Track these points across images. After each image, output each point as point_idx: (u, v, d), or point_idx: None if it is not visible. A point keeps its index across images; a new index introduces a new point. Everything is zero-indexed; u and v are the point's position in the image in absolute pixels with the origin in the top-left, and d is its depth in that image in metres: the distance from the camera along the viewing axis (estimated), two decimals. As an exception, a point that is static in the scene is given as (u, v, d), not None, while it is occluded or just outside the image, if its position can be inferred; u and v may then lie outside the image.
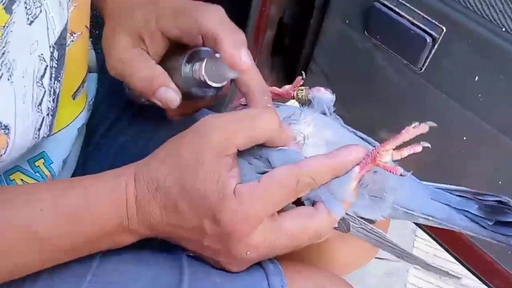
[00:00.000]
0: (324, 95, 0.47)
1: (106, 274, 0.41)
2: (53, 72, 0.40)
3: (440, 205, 0.43)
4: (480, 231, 0.41)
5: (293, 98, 0.49)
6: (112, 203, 0.38)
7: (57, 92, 0.41)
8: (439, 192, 0.44)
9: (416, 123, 0.39)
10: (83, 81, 0.48)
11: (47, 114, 0.41)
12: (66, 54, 0.41)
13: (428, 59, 0.61)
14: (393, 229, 0.62)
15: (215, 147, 0.37)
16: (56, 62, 0.40)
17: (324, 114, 0.47)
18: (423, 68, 0.62)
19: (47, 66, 0.39)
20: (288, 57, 0.90)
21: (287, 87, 0.49)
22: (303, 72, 0.48)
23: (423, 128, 0.39)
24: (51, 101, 0.41)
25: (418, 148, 0.39)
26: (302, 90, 0.48)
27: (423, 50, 0.60)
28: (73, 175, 0.55)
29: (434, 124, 0.39)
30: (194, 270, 0.42)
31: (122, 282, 0.41)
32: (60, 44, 0.40)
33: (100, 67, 0.58)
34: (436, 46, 0.59)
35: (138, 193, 0.38)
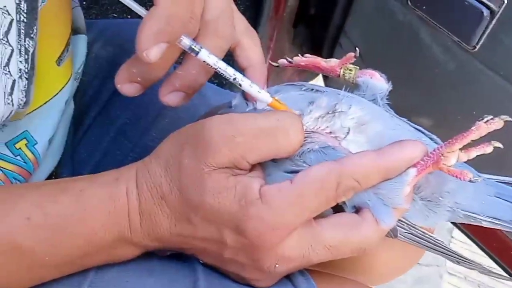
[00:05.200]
0: (378, 83, 0.44)
1: (104, 283, 0.40)
2: (22, 28, 0.39)
3: (505, 204, 0.42)
4: None
5: (338, 77, 0.46)
6: (110, 213, 0.37)
7: (31, 51, 0.40)
8: (501, 186, 0.43)
9: (489, 117, 0.38)
10: (67, 44, 0.47)
11: (20, 77, 0.40)
12: (39, 8, 0.40)
13: (484, 36, 0.60)
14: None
15: (223, 163, 0.36)
16: (25, 15, 0.38)
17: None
18: (477, 47, 0.61)
19: (12, 20, 0.37)
20: (313, 30, 0.89)
21: (333, 61, 0.46)
22: (357, 48, 0.46)
23: (498, 123, 0.38)
24: (23, 62, 0.40)
25: (488, 149, 0.38)
26: (351, 70, 0.45)
27: (479, 25, 0.59)
28: (59, 164, 0.54)
29: (510, 119, 0.38)
30: (210, 281, 0.42)
31: None
32: None
33: (95, 33, 0.57)
34: (494, 21, 0.58)
35: (142, 201, 0.37)
